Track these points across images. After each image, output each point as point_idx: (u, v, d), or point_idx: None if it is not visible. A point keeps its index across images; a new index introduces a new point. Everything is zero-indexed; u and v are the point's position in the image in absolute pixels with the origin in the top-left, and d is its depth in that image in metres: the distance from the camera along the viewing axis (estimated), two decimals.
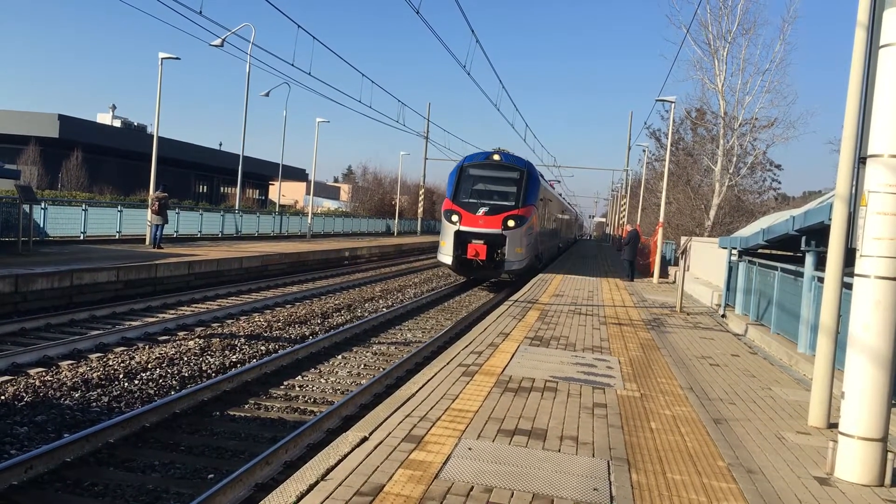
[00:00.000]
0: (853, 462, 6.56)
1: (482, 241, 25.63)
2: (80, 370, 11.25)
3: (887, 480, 6.52)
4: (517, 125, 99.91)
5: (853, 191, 7.92)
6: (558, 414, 7.96)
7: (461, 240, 25.91)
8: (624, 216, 64.53)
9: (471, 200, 26.55)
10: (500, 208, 26.28)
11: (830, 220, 8.80)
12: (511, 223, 25.77)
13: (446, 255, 26.12)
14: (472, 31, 21.40)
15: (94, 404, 9.79)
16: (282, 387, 11.30)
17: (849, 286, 7.06)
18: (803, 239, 12.98)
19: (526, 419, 7.64)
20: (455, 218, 26.09)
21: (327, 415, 9.46)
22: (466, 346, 11.57)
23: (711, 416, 8.53)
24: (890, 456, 6.58)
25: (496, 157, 28.02)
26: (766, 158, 46.33)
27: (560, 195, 52.20)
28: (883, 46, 6.70)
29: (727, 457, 6.94)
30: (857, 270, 6.71)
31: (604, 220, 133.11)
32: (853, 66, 8.29)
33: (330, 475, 5.58)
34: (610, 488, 5.81)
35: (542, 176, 32.22)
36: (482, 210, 26.15)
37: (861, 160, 7.20)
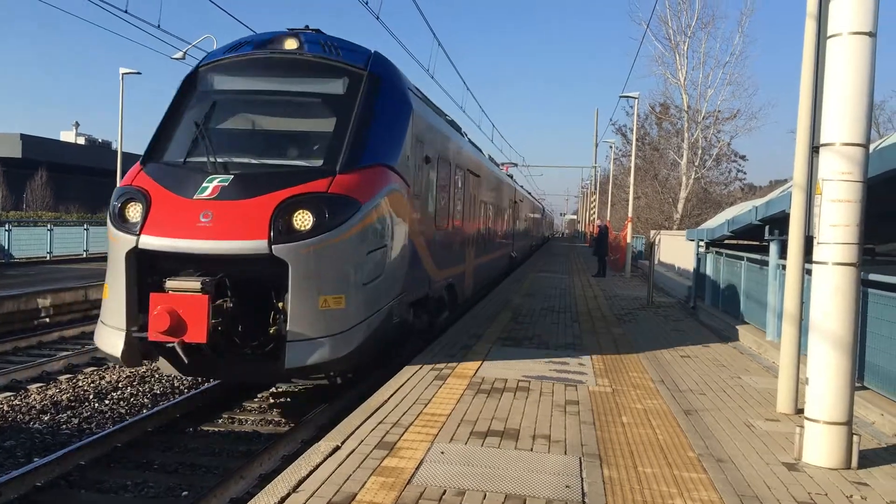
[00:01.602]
0: (820, 446, 6.67)
1: (202, 285, 8.20)
2: (50, 392, 11.10)
3: (854, 463, 6.64)
4: (484, 126, 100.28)
5: (809, 179, 8.06)
6: (531, 413, 7.99)
7: (149, 281, 8.69)
8: (594, 213, 64.96)
9: (192, 162, 9.44)
10: (273, 180, 8.96)
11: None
12: (301, 219, 8.59)
13: (109, 334, 8.80)
14: (435, 35, 21.25)
15: (65, 427, 9.67)
16: (255, 399, 11.23)
17: (811, 273, 7.18)
18: (767, 228, 13.16)
19: (498, 420, 7.67)
20: (134, 213, 8.79)
21: (303, 425, 9.43)
22: (441, 349, 11.58)
23: (682, 407, 8.61)
24: (855, 439, 6.70)
25: (289, 41, 10.40)
26: (730, 150, 47.10)
27: (520, 185, 41.36)
28: (831, 37, 6.83)
29: (697, 447, 7.02)
30: (815, 258, 6.83)
31: (575, 217, 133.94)
32: (805, 56, 8.43)
33: (302, 486, 5.56)
34: (582, 485, 5.86)
35: (439, 112, 14.39)
36: (214, 188, 8.76)
37: (815, 149, 7.33)
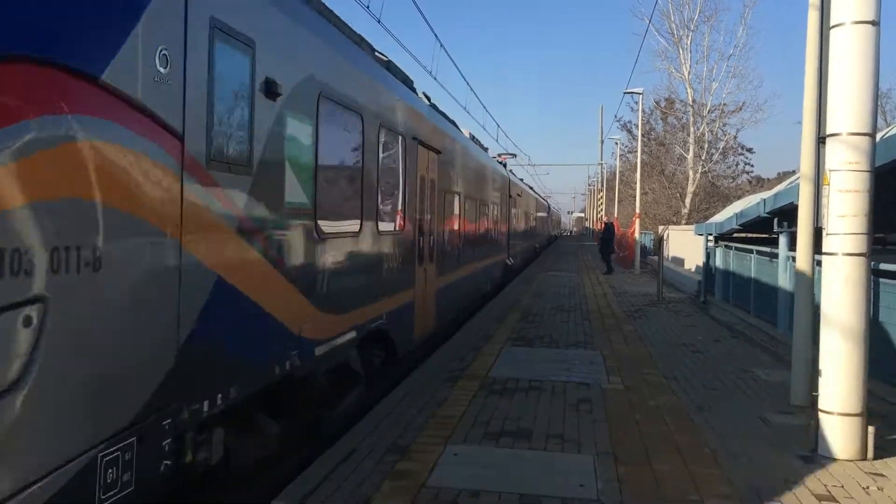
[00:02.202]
0: (835, 438, 6.63)
1: None
2: None
3: (870, 454, 6.60)
4: (488, 126, 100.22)
5: (817, 170, 8.02)
6: (543, 413, 7.98)
7: None
8: (601, 210, 64.84)
9: None
10: None
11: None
12: None
13: None
14: (437, 37, 21.30)
15: None
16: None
17: (821, 264, 7.15)
18: (775, 220, 13.12)
19: (511, 420, 7.66)
20: None
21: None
22: (452, 351, 11.58)
23: (695, 403, 8.58)
24: (870, 429, 6.66)
25: None
26: (737, 143, 46.99)
27: (519, 178, 37.35)
28: (834, 27, 6.80)
29: (711, 443, 6.99)
30: (824, 249, 6.79)
31: (583, 214, 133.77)
32: (808, 47, 8.41)
33: (317, 491, 5.57)
34: (596, 483, 5.84)
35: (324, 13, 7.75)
36: None
37: (821, 140, 7.30)
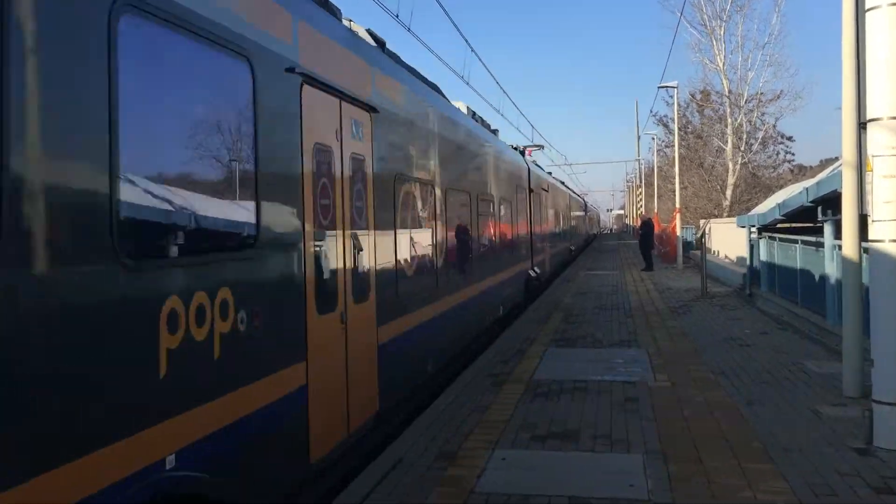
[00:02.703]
0: (890, 429, 6.49)
1: None
2: None
3: None
4: (523, 128, 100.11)
5: (859, 156, 7.87)
6: (590, 413, 7.94)
7: None
8: (640, 206, 64.25)
9: None
10: None
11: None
12: None
13: None
14: (468, 42, 21.40)
15: None
16: None
17: (868, 252, 7.01)
18: (819, 209, 12.87)
19: (557, 422, 7.63)
20: None
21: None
22: (495, 355, 11.57)
23: (744, 397, 8.46)
24: None
25: None
26: (776, 132, 46.12)
27: (546, 171, 32.04)
28: (869, 9, 6.68)
29: (763, 437, 6.89)
30: (870, 236, 6.67)
31: (622, 212, 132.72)
32: (844, 31, 8.26)
33: (366, 501, 5.61)
34: (646, 482, 5.80)
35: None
36: None
37: (862, 125, 7.16)
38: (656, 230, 35.29)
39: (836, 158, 39.36)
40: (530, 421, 7.71)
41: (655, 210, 50.40)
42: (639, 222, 47.47)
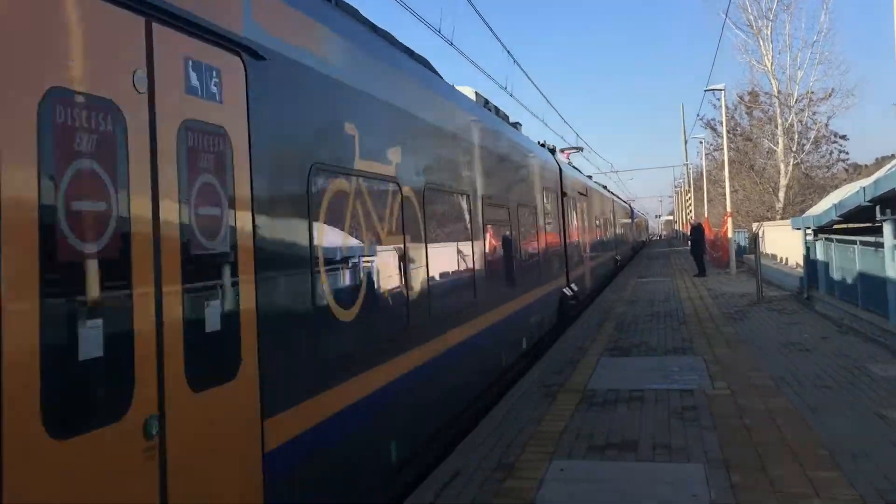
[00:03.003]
0: None
1: None
2: None
3: None
4: (567, 137, 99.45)
5: None
6: (647, 423, 7.83)
7: None
8: (690, 211, 63.34)
9: None
10: None
11: None
12: None
13: None
14: (509, 53, 21.39)
15: None
16: None
17: None
18: (878, 208, 12.55)
19: (615, 432, 7.54)
20: None
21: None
22: (548, 365, 11.50)
23: (807, 403, 8.26)
24: None
25: None
26: (828, 131, 45.09)
27: (585, 174, 28.87)
28: None
29: (828, 444, 6.72)
30: None
31: (671, 217, 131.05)
32: None
33: None
34: (709, 492, 5.69)
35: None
36: None
37: None
38: (707, 235, 34.74)
39: (893, 156, 38.32)
40: (587, 431, 7.64)
41: (706, 215, 49.66)
42: (688, 228, 46.79)
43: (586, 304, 20.32)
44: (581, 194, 21.65)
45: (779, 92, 42.76)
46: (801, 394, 8.75)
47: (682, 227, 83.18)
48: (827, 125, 44.42)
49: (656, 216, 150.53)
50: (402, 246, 6.69)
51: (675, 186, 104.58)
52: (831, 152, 47.21)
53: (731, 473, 6.08)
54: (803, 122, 43.32)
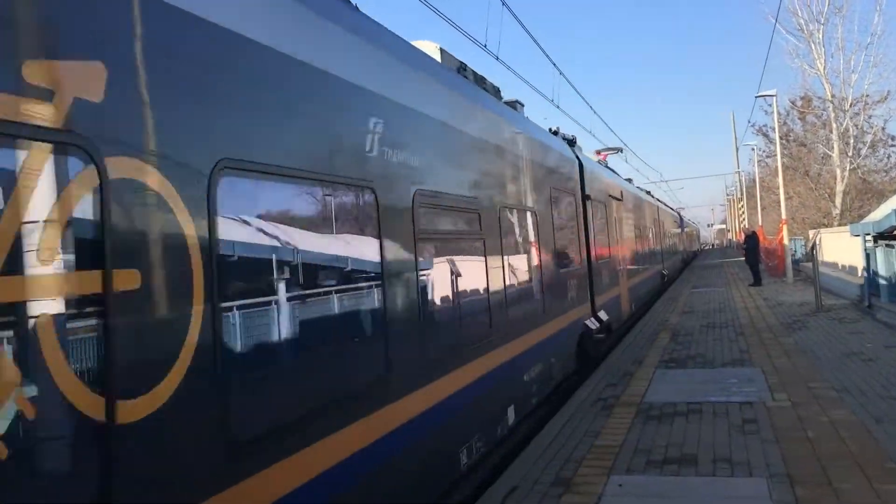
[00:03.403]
0: None
1: None
2: None
3: None
4: (613, 144, 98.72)
5: None
6: (706, 436, 7.73)
7: None
8: (744, 219, 62.25)
9: None
10: None
11: None
12: None
13: None
14: (555, 65, 21.42)
15: None
16: None
17: None
18: None
19: (674, 446, 7.46)
20: None
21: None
22: (602, 378, 11.41)
23: (872, 415, 8.05)
24: None
25: None
26: (885, 134, 43.91)
27: (626, 180, 26.07)
28: None
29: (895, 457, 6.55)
30: None
31: (724, 226, 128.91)
32: None
33: None
34: None
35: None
36: None
37: None
38: (762, 243, 34.10)
39: None
40: (645, 445, 7.56)
41: (760, 223, 48.77)
42: (742, 237, 45.97)
43: (624, 332, 17.35)
44: (613, 198, 18.11)
45: (832, 96, 41.84)
46: (865, 405, 8.54)
47: (736, 236, 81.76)
48: (884, 128, 43.30)
49: (708, 225, 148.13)
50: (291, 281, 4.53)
51: (728, 195, 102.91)
52: (889, 156, 45.93)
53: (796, 487, 5.97)
54: (859, 126, 42.28)
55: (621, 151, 28.57)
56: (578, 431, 8.32)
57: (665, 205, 43.53)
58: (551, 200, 11.30)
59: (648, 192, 34.20)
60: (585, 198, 13.95)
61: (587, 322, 12.78)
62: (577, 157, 14.17)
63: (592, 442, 7.85)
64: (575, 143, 15.39)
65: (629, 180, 27.18)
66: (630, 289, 19.20)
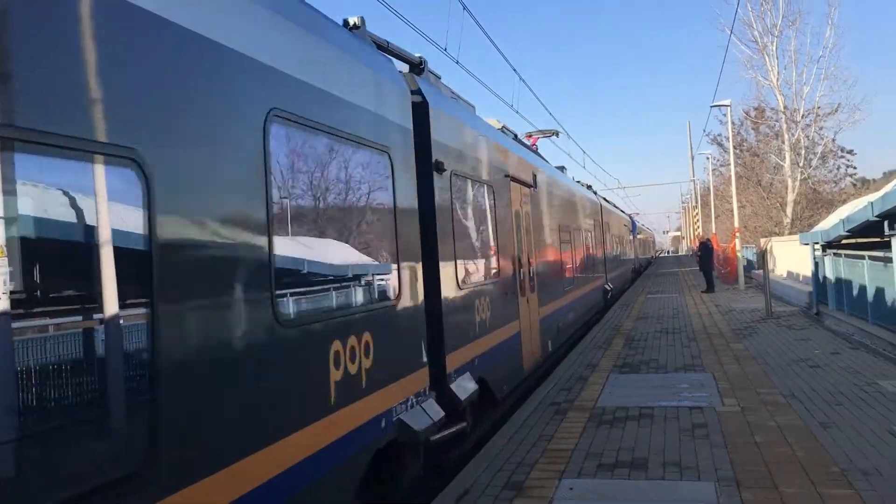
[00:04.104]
0: None
1: None
2: None
3: None
4: (574, 154, 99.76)
5: None
6: (657, 441, 7.79)
7: None
8: (698, 227, 63.26)
9: None
10: None
11: None
12: None
13: None
14: (515, 70, 21.45)
15: None
16: None
17: None
18: (886, 223, 12.52)
19: (625, 450, 7.51)
20: None
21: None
22: (557, 382, 11.46)
23: (818, 420, 8.21)
24: None
25: None
26: (836, 146, 45.04)
27: (558, 168, 19.67)
28: None
29: (841, 461, 6.67)
30: None
31: (679, 233, 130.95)
32: None
33: None
34: None
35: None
36: None
37: None
38: (716, 250, 34.69)
39: None
40: (597, 449, 7.60)
41: (713, 230, 49.58)
42: (696, 244, 46.69)
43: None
44: (517, 182, 11.75)
45: (785, 107, 42.78)
46: (813, 410, 8.70)
47: (691, 243, 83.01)
48: (834, 140, 44.41)
49: (664, 232, 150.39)
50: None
51: (683, 202, 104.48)
52: (839, 167, 47.16)
53: (743, 491, 6.04)
54: (810, 138, 43.29)
55: (557, 135, 22.90)
56: (532, 435, 8.33)
57: (612, 205, 36.80)
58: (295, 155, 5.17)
59: (589, 187, 27.19)
60: (435, 167, 7.79)
61: (407, 418, 6.40)
62: (421, 93, 7.78)
63: (545, 446, 7.86)
64: (423, 67, 8.76)
65: (561, 168, 20.71)
66: (548, 317, 13.47)
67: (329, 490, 5.04)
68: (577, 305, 17.88)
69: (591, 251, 21.73)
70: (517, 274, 11.13)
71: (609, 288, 25.72)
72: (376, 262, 6.32)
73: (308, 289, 5.30)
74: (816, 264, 19.52)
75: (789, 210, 42.50)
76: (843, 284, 17.01)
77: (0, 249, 2.86)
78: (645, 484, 6.45)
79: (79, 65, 3.23)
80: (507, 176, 11.11)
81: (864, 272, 14.83)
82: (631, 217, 48.53)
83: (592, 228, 23.12)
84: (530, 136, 20.10)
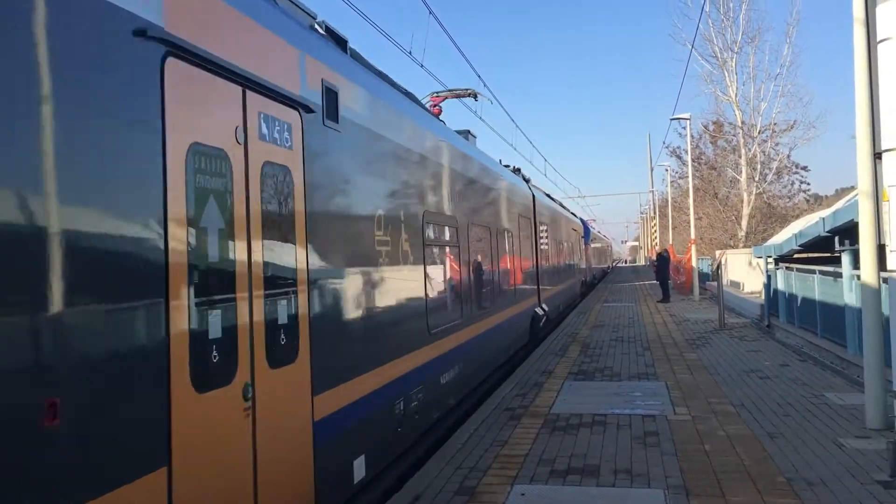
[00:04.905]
0: None
1: None
2: None
3: None
4: (535, 161, 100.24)
5: (875, 186, 7.86)
6: (609, 448, 7.87)
7: None
8: (655, 238, 64.07)
9: None
10: None
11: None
12: None
13: None
14: (479, 76, 21.57)
15: None
16: None
17: (888, 282, 6.96)
18: (836, 239, 12.82)
19: (577, 457, 7.57)
20: None
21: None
22: (512, 388, 11.51)
23: (767, 430, 8.37)
24: None
25: None
26: (791, 162, 46.08)
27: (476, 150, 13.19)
28: (881, 41, 6.73)
29: (787, 471, 6.81)
30: (889, 266, 6.64)
31: (637, 243, 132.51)
32: (857, 62, 8.26)
33: None
34: None
35: None
36: None
37: (877, 155, 7.17)
38: (672, 261, 35.19)
39: (853, 187, 39.09)
40: (549, 455, 7.65)
41: (671, 241, 50.28)
42: (653, 254, 47.29)
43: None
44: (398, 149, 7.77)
45: (742, 123, 43.66)
46: (761, 421, 8.87)
47: (648, 253, 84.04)
48: (789, 156, 45.43)
49: (623, 241, 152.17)
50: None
51: (641, 213, 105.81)
52: (793, 182, 48.26)
53: (691, 499, 6.13)
54: (766, 153, 44.24)
55: (476, 98, 17.75)
56: (485, 441, 8.35)
57: (558, 203, 30.91)
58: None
59: (518, 171, 19.69)
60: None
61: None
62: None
63: (498, 451, 7.89)
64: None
65: (466, 135, 14.29)
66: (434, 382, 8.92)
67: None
68: (498, 335, 13.11)
69: (508, 262, 15.01)
70: (385, 308, 7.12)
71: (542, 312, 18.88)
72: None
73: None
74: (769, 277, 19.91)
75: (744, 223, 43.32)
76: (794, 298, 17.37)
77: None
78: (596, 491, 6.50)
79: None
80: (413, 146, 8.21)
81: (814, 286, 15.16)
82: (584, 222, 44.10)
83: (530, 232, 18.43)
84: (438, 94, 16.50)
